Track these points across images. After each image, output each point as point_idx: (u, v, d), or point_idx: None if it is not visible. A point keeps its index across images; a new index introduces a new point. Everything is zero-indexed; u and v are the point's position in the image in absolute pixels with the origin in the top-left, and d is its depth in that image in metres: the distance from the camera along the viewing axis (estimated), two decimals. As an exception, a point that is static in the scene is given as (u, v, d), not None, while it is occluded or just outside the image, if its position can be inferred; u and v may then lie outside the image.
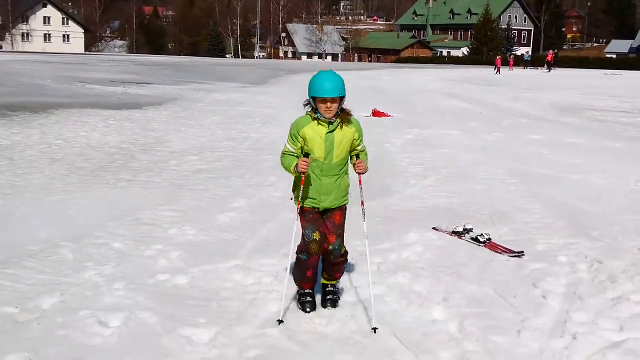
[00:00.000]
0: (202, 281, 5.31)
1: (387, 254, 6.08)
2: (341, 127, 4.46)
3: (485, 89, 34.11)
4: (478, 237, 6.42)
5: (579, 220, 7.45)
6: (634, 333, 4.37)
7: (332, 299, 4.84)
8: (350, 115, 4.52)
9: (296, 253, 4.67)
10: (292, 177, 4.67)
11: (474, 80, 42.22)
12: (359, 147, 4.62)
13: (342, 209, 4.69)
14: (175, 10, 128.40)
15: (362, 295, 4.99)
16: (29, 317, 4.49)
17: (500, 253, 6.10)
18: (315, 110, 4.43)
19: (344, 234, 4.74)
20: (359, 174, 4.57)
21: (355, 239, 6.50)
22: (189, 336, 4.25)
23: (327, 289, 4.89)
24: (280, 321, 4.45)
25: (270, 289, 5.09)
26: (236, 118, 17.61)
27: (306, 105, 4.52)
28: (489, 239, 6.40)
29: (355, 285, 5.21)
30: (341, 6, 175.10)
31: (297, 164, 4.38)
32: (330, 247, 4.64)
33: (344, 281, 5.20)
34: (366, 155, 4.71)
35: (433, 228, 6.96)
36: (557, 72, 60.44)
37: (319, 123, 4.43)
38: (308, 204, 4.58)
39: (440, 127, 16.43)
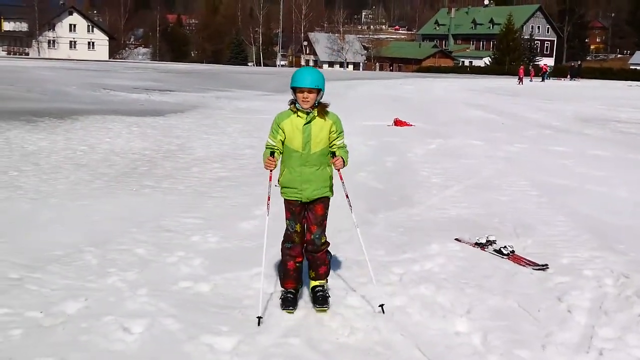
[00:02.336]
0: (224, 289, 5.32)
1: (410, 265, 6.05)
2: (321, 117, 4.71)
3: (508, 99, 33.93)
4: (501, 249, 6.37)
5: (604, 234, 7.36)
6: (661, 350, 4.30)
7: (322, 295, 4.92)
8: (327, 107, 4.77)
9: (281, 244, 4.93)
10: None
11: (497, 91, 42.02)
12: (337, 142, 4.82)
13: (324, 201, 4.88)
14: (199, 18, 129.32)
15: (385, 306, 4.95)
16: (54, 321, 4.53)
17: (524, 266, 6.05)
18: (295, 101, 4.69)
19: (326, 227, 4.93)
20: (338, 169, 4.82)
21: (377, 249, 6.53)
22: (212, 344, 4.26)
23: (316, 289, 4.96)
24: (259, 318, 4.59)
25: (292, 298, 5.08)
26: (258, 126, 17.65)
27: (290, 104, 4.77)
28: (513, 252, 6.34)
29: (377, 295, 5.18)
30: (363, 15, 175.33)
31: (265, 161, 4.73)
32: (312, 236, 4.83)
33: (367, 291, 5.17)
34: (346, 152, 4.88)
35: (456, 239, 6.92)
36: (580, 83, 59.97)
37: (298, 115, 4.69)
38: (290, 195, 4.80)
39: (463, 137, 16.36)
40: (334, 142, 4.80)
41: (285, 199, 4.85)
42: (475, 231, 7.19)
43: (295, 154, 4.73)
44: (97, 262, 5.87)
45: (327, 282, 5.07)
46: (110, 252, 6.19)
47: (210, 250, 6.40)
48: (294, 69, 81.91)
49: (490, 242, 6.60)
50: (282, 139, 4.76)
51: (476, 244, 6.66)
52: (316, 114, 4.70)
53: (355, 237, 6.91)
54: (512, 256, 6.27)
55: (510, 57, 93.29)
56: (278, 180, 4.87)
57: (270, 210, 5.00)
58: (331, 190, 4.91)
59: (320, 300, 4.88)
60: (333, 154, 4.80)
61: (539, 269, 5.95)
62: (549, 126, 20.36)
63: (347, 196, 4.98)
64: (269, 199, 4.99)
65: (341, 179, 4.94)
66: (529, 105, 29.69)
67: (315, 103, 4.68)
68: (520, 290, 5.42)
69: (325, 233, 4.92)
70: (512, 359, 4.17)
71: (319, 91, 4.66)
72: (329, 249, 5.03)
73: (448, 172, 11.31)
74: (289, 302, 4.86)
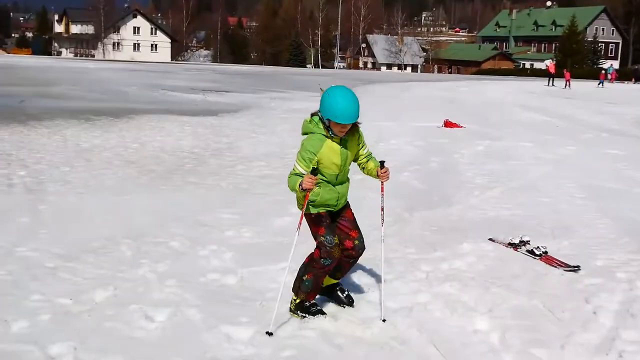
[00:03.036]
0: (250, 282, 5.42)
1: (439, 263, 6.03)
2: (353, 136, 4.55)
3: (567, 102, 33.18)
4: (534, 249, 6.27)
5: (645, 237, 7.17)
6: (686, 354, 4.18)
7: (348, 294, 4.91)
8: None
9: (316, 261, 4.54)
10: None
11: (556, 93, 41.13)
12: (364, 152, 4.70)
13: (348, 205, 4.77)
14: (259, 21, 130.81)
15: (406, 302, 4.96)
16: (81, 308, 4.70)
17: (556, 267, 5.95)
18: (327, 127, 4.41)
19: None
20: (384, 182, 4.65)
21: (408, 247, 6.54)
22: (229, 334, 4.35)
23: (339, 287, 4.93)
24: (269, 333, 4.35)
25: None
26: (308, 126, 17.75)
27: (313, 115, 4.50)
28: (545, 252, 6.24)
29: (400, 292, 5.19)
30: (423, 17, 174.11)
31: (301, 181, 4.30)
32: (355, 241, 4.66)
33: (390, 289, 5.17)
34: (373, 158, 4.76)
35: (489, 239, 6.85)
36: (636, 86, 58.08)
37: (332, 140, 4.44)
38: (324, 209, 4.60)
39: (513, 139, 16.11)
40: (360, 153, 4.68)
41: (316, 215, 4.57)
42: (512, 232, 7.09)
43: (332, 176, 4.51)
44: (131, 254, 6.06)
45: None
46: (146, 245, 6.37)
47: (242, 245, 6.51)
48: (351, 72, 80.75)
49: (523, 243, 6.51)
50: (317, 165, 4.47)
51: (509, 244, 6.58)
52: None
53: (392, 234, 6.97)
54: (545, 257, 6.17)
55: (573, 60, 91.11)
56: (307, 205, 4.55)
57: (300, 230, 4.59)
58: None
59: (348, 298, 4.89)
60: (382, 164, 4.60)
61: (570, 270, 5.84)
62: (606, 129, 19.83)
63: (382, 209, 4.84)
64: (301, 218, 4.63)
65: (382, 191, 4.83)
66: (588, 108, 28.98)
67: None
68: (547, 290, 5.34)
69: None
70: (528, 358, 4.12)
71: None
72: None
73: (493, 174, 11.18)
74: (321, 312, 4.68)
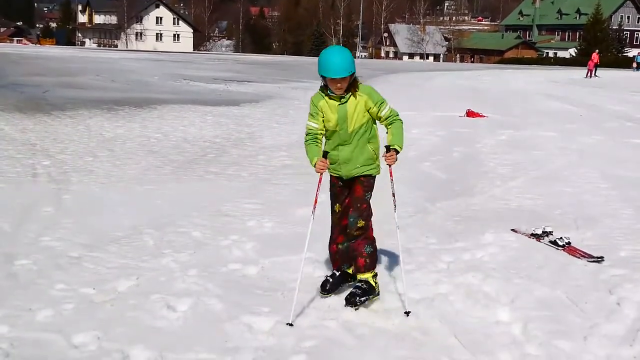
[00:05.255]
0: (271, 272, 5.44)
1: (460, 253, 6.00)
2: (354, 97, 4.52)
3: (591, 91, 32.75)
4: (557, 240, 6.22)
5: (671, 228, 7.06)
6: None
7: (352, 292, 4.67)
8: (357, 84, 4.54)
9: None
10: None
11: (581, 82, 40.64)
12: (382, 113, 4.57)
13: (365, 181, 4.67)
14: (281, 11, 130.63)
15: (427, 293, 4.94)
16: (105, 298, 4.74)
17: (579, 257, 5.89)
18: (326, 86, 4.52)
19: (368, 212, 4.70)
20: (389, 165, 4.56)
21: (429, 237, 6.51)
22: (250, 324, 4.36)
23: (350, 283, 4.87)
24: (290, 324, 4.35)
25: (336, 283, 5.13)
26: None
27: (322, 89, 4.60)
28: (569, 243, 6.18)
29: (421, 282, 5.17)
30: (445, 6, 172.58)
31: (315, 163, 4.51)
32: (350, 219, 4.65)
33: (411, 279, 5.14)
34: (399, 122, 4.61)
35: (512, 230, 6.80)
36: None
37: (330, 98, 4.53)
38: (332, 171, 4.71)
39: (537, 129, 15.95)
40: (379, 115, 4.56)
41: (330, 176, 4.74)
42: (535, 222, 7.03)
43: (330, 133, 4.60)
44: (153, 244, 6.10)
45: (372, 277, 4.74)
46: (168, 234, 6.41)
47: (263, 235, 6.53)
48: (373, 61, 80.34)
49: (546, 233, 6.45)
50: (323, 118, 4.59)
51: (532, 234, 6.53)
52: (350, 94, 4.51)
53: (413, 224, 6.95)
54: (568, 248, 6.11)
55: (598, 48, 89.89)
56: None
57: (315, 213, 4.68)
58: (376, 169, 4.68)
59: (348, 297, 4.66)
60: (387, 148, 4.51)
61: (593, 261, 5.78)
62: (631, 118, 19.56)
63: (393, 195, 4.66)
64: (316, 201, 4.69)
65: (391, 176, 4.67)
66: (613, 97, 28.59)
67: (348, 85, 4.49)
68: (570, 281, 5.29)
69: (367, 219, 4.67)
70: (550, 350, 4.09)
71: (351, 75, 4.46)
72: (371, 240, 4.73)
73: (516, 164, 11.08)
74: (323, 286, 4.82)
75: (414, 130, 14.79)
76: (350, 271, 4.90)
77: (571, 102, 24.85)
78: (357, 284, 4.72)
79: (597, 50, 54.03)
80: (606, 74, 49.27)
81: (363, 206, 4.67)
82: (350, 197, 4.72)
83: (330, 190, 4.79)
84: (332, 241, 4.88)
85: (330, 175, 4.75)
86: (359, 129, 4.55)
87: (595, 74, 47.48)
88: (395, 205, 4.73)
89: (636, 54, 74.34)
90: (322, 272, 5.37)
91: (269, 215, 7.27)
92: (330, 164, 4.66)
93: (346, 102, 4.52)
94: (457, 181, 9.58)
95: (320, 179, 4.64)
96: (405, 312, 4.54)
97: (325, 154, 4.54)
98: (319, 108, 4.58)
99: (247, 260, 5.69)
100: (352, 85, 4.51)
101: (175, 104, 18.84)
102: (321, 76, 4.49)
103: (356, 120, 4.53)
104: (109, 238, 6.19)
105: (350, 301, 4.63)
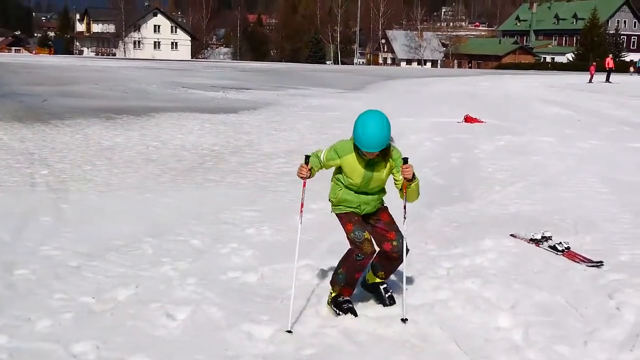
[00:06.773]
0: (270, 279, 5.43)
1: (459, 259, 6.00)
2: (384, 162, 4.43)
3: (589, 95, 32.83)
4: (556, 245, 6.22)
5: (670, 232, 7.07)
6: None
7: (391, 295, 4.85)
8: (391, 150, 4.41)
9: (350, 256, 4.56)
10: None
11: (578, 87, 40.73)
12: (399, 177, 4.48)
13: (383, 209, 4.71)
14: (278, 18, 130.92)
15: (427, 299, 4.94)
16: (104, 307, 4.73)
17: (578, 262, 5.89)
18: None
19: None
20: (406, 178, 4.42)
21: (428, 244, 6.51)
22: (250, 332, 4.35)
23: (384, 287, 4.88)
24: (289, 332, 4.33)
25: (336, 290, 5.12)
26: (328, 123, 17.75)
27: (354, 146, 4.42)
28: (568, 248, 6.18)
29: (420, 289, 5.17)
30: (442, 12, 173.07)
31: (301, 165, 4.52)
32: (394, 243, 4.58)
33: (410, 286, 5.15)
34: (417, 184, 4.54)
35: (511, 235, 6.80)
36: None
37: (359, 157, 4.40)
38: (347, 208, 4.59)
39: (535, 134, 15.97)
40: (396, 178, 4.52)
41: (344, 213, 4.59)
42: (534, 227, 7.03)
43: (351, 185, 4.51)
44: (152, 252, 6.09)
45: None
46: (167, 243, 6.40)
47: (262, 242, 6.53)
48: (371, 67, 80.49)
49: (545, 239, 6.45)
50: (333, 166, 4.54)
51: (531, 239, 6.53)
52: (381, 160, 4.42)
53: (412, 231, 6.93)
54: (567, 253, 6.11)
55: (595, 53, 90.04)
56: (330, 198, 4.67)
57: (302, 218, 4.77)
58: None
59: (390, 299, 4.81)
60: (405, 160, 4.43)
61: (593, 266, 5.78)
62: (630, 123, 19.59)
63: (404, 207, 4.61)
64: (302, 206, 4.71)
65: (404, 189, 4.53)
66: (611, 101, 28.65)
67: None
68: (570, 286, 5.29)
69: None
70: (551, 355, 4.09)
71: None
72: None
73: (514, 169, 11.10)
74: (352, 312, 4.63)
75: (412, 136, 14.81)
76: (377, 280, 4.89)
77: (569, 107, 24.90)
78: (386, 286, 4.89)
79: (610, 55, 53.90)
80: (603, 79, 49.25)
81: (397, 226, 4.67)
82: (381, 224, 4.64)
83: (349, 223, 4.55)
84: (361, 269, 4.60)
85: (346, 212, 4.60)
86: (379, 185, 4.57)
87: (608, 80, 47.02)
88: (405, 217, 4.65)
89: (637, 59, 74.34)
90: (320, 279, 5.38)
91: (268, 223, 7.26)
92: (343, 204, 4.59)
93: (375, 164, 4.42)
94: (455, 187, 9.59)
95: (305, 183, 4.66)
96: (403, 320, 4.51)
97: (308, 161, 4.53)
98: (340, 161, 4.46)
99: (246, 268, 5.69)
100: (385, 151, 4.39)
101: (174, 112, 18.86)
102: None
103: (380, 182, 4.52)
104: (107, 247, 6.18)
105: (394, 301, 4.79)
